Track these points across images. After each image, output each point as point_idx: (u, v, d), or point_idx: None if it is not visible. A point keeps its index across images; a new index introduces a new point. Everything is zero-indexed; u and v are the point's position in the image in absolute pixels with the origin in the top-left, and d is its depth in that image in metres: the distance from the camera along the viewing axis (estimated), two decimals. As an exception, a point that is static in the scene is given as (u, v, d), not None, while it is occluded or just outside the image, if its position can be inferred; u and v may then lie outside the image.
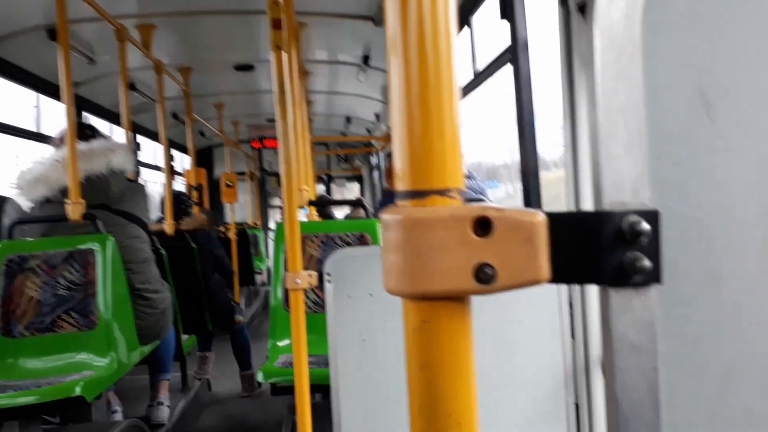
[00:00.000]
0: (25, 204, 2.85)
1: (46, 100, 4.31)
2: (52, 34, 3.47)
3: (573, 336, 1.74)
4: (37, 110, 4.27)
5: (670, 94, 0.47)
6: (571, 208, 1.78)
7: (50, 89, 4.23)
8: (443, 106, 0.47)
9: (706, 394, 0.45)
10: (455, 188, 0.46)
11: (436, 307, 0.46)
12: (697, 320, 0.45)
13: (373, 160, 9.48)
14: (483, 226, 0.45)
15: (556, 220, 0.45)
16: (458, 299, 0.46)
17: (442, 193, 0.46)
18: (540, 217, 0.45)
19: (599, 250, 0.44)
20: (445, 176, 0.46)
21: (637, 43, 0.46)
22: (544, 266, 0.45)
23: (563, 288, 1.69)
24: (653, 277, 0.44)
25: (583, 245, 0.44)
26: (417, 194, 0.46)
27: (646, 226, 0.44)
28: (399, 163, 0.48)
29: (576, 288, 1.79)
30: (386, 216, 0.47)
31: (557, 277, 0.45)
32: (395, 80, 0.48)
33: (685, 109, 0.47)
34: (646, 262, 0.43)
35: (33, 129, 4.22)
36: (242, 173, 9.13)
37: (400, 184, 0.48)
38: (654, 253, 0.44)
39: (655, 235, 0.44)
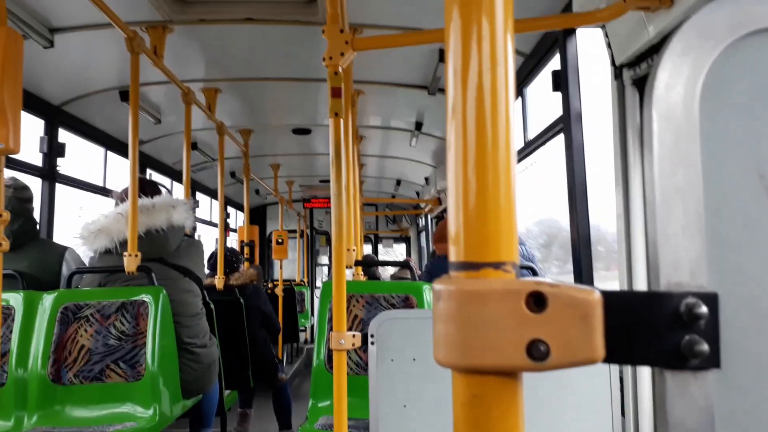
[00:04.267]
0: (86, 254, 2.96)
1: (112, 156, 4.53)
2: (123, 95, 3.69)
3: (623, 413, 1.67)
4: (104, 166, 4.49)
5: (729, 176, 0.47)
6: (624, 286, 1.75)
7: (117, 146, 4.46)
8: (500, 178, 0.48)
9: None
10: (509, 261, 0.47)
11: (486, 381, 0.46)
12: (757, 407, 0.44)
13: (421, 222, 9.52)
14: (537, 301, 0.45)
15: (612, 299, 0.45)
16: (510, 375, 0.46)
17: (497, 266, 0.46)
18: (596, 296, 0.45)
19: (656, 331, 0.43)
20: (499, 249, 0.47)
21: (696, 126, 0.46)
22: (599, 345, 0.44)
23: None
24: (711, 361, 0.43)
25: (640, 326, 0.44)
26: (471, 266, 0.47)
27: (704, 309, 0.43)
28: (453, 232, 0.49)
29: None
30: (439, 286, 0.48)
31: (612, 357, 0.44)
32: (452, 150, 0.49)
33: (744, 191, 0.47)
34: (705, 346, 0.42)
35: (99, 183, 4.42)
36: (293, 231, 9.29)
37: (454, 255, 0.49)
38: (712, 336, 0.43)
39: (714, 318, 0.43)
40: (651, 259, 0.47)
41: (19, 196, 2.84)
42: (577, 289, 0.45)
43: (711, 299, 0.43)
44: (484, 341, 0.45)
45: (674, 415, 0.44)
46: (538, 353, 0.44)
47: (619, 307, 0.44)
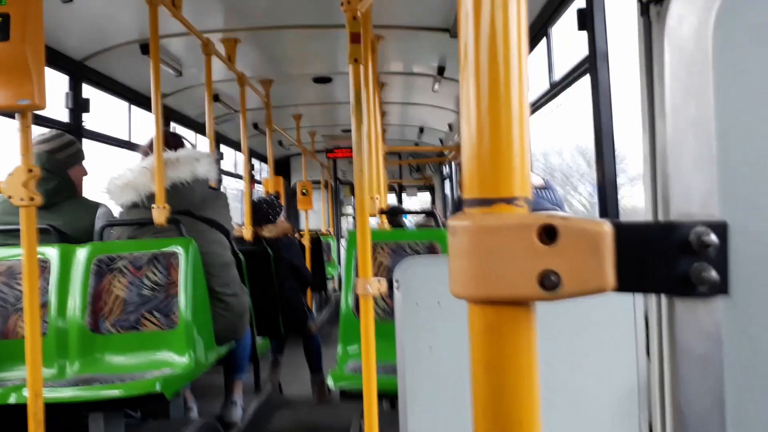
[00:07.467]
0: (115, 208, 3.03)
1: (136, 110, 4.57)
2: (144, 48, 3.70)
3: (648, 353, 1.68)
4: (128, 120, 4.53)
5: (743, 108, 0.47)
6: (649, 219, 1.74)
7: (140, 100, 4.49)
8: (512, 116, 0.48)
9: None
10: (522, 197, 0.48)
11: (501, 311, 0.48)
12: (765, 332, 0.45)
13: (445, 170, 9.48)
14: (549, 234, 0.46)
15: (622, 229, 0.46)
16: (523, 305, 0.48)
17: (509, 201, 0.48)
18: (606, 227, 0.46)
19: (665, 260, 0.45)
20: (512, 185, 0.48)
21: (709, 58, 0.46)
22: (610, 275, 0.46)
23: (639, 302, 1.64)
24: (720, 288, 0.44)
25: (649, 255, 0.45)
26: (484, 202, 0.48)
27: (713, 237, 0.44)
28: (467, 171, 0.50)
29: (653, 302, 1.73)
30: (454, 222, 0.49)
31: (623, 286, 0.46)
32: (466, 90, 0.50)
33: (758, 123, 0.47)
34: (713, 273, 0.43)
35: (124, 137, 4.47)
36: (317, 182, 9.35)
37: (468, 192, 0.50)
38: (721, 264, 0.44)
39: (723, 246, 0.44)
40: (662, 192, 0.48)
41: (50, 149, 2.87)
42: (588, 221, 0.46)
43: (720, 228, 0.44)
44: (497, 273, 0.46)
45: (683, 341, 0.45)
46: (549, 283, 0.45)
47: (630, 237, 0.45)
